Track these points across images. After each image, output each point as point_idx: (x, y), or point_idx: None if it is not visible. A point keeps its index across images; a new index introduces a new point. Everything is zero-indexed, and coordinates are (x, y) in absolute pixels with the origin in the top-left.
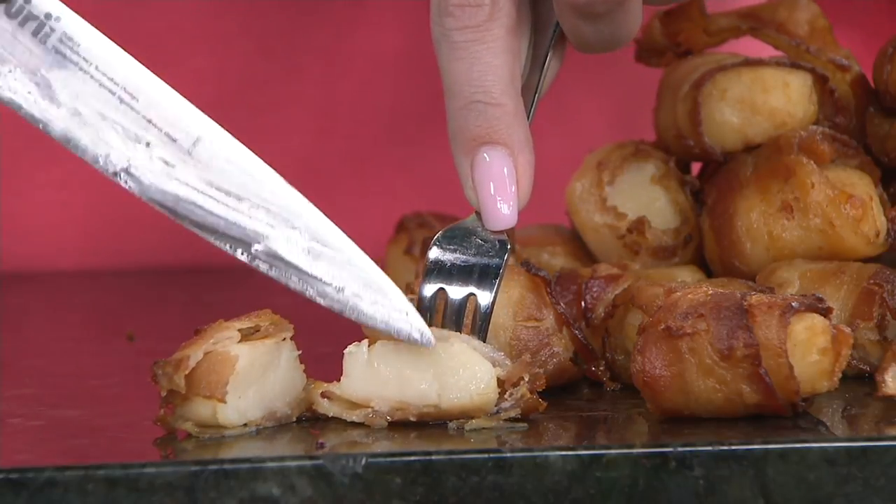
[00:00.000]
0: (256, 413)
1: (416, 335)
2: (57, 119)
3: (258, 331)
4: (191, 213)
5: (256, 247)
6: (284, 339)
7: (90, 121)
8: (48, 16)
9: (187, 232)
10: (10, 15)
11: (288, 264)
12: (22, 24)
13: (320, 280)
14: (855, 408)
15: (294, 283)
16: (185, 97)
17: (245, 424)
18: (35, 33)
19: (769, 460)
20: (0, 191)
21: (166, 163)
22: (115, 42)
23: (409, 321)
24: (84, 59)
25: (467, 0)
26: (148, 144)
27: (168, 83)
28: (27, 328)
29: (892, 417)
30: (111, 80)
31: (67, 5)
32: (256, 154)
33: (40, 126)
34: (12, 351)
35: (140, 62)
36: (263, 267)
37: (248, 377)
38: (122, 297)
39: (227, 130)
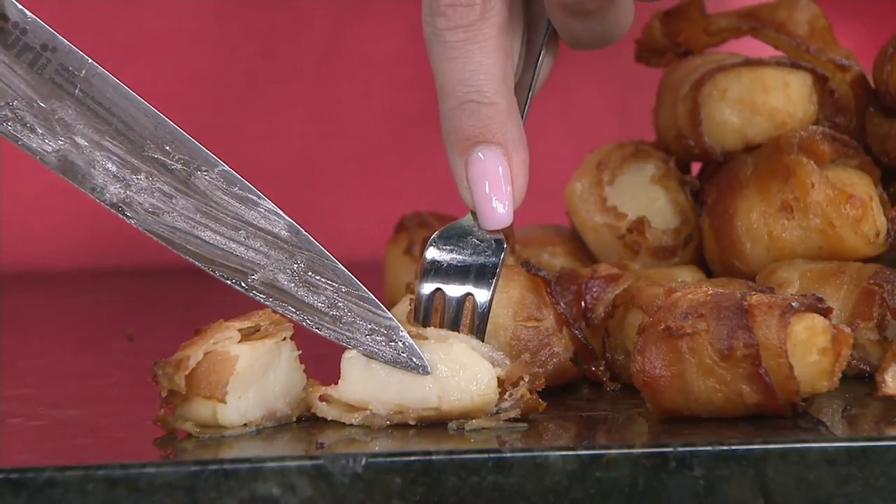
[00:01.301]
0: (256, 413)
1: (413, 365)
2: (54, 151)
3: (258, 331)
4: (187, 244)
5: (253, 277)
6: (284, 339)
7: (87, 152)
8: (44, 47)
9: None
10: (6, 46)
11: (285, 294)
12: (18, 55)
13: (317, 310)
14: (855, 408)
15: (291, 312)
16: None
17: (245, 424)
18: (31, 65)
19: (769, 460)
20: (0, 191)
21: (163, 194)
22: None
23: (406, 351)
24: (81, 90)
25: (458, 0)
26: (144, 175)
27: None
28: (27, 328)
29: (892, 417)
30: (107, 110)
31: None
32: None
33: (37, 158)
34: (12, 351)
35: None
36: (261, 297)
37: (248, 377)
38: (122, 297)
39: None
